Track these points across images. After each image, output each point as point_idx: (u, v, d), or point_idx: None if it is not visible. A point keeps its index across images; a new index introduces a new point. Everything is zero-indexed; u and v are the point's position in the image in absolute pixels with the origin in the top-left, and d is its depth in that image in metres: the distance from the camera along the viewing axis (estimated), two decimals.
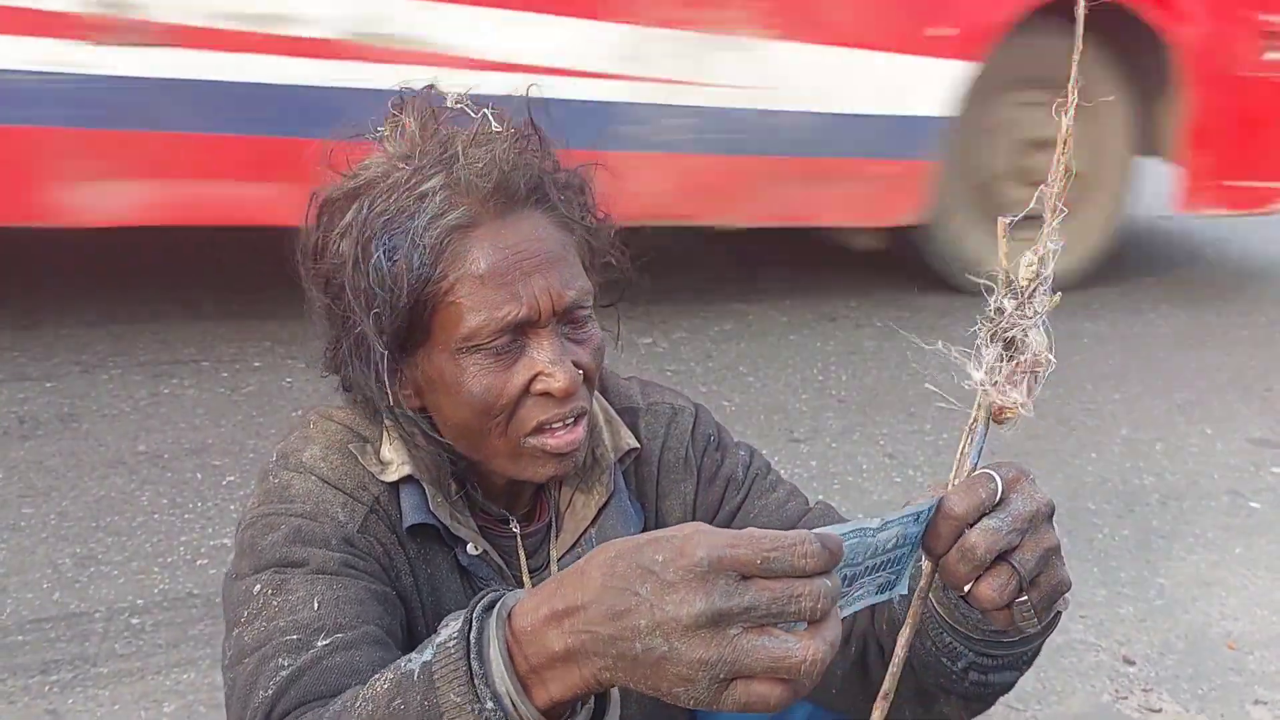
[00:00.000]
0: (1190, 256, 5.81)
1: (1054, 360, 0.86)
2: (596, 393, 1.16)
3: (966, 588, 0.86)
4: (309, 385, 3.53)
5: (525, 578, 1.17)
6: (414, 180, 1.03)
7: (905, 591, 0.87)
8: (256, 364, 3.71)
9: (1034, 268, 0.84)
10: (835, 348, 4.29)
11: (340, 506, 1.08)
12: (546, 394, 1.04)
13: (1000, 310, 0.85)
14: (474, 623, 0.75)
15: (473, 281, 1.01)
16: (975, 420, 0.88)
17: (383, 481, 1.10)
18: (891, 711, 0.89)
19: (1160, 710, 2.37)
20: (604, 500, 1.19)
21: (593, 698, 0.79)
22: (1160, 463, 3.55)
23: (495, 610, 0.76)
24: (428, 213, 1.01)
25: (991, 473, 0.86)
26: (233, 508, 2.85)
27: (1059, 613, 0.96)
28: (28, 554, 2.60)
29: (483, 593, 0.79)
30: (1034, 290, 0.84)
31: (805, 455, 3.42)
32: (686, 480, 1.23)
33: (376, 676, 0.82)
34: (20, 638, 2.31)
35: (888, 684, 0.87)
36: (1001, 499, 0.85)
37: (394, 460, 1.12)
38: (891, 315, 4.64)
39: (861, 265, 5.25)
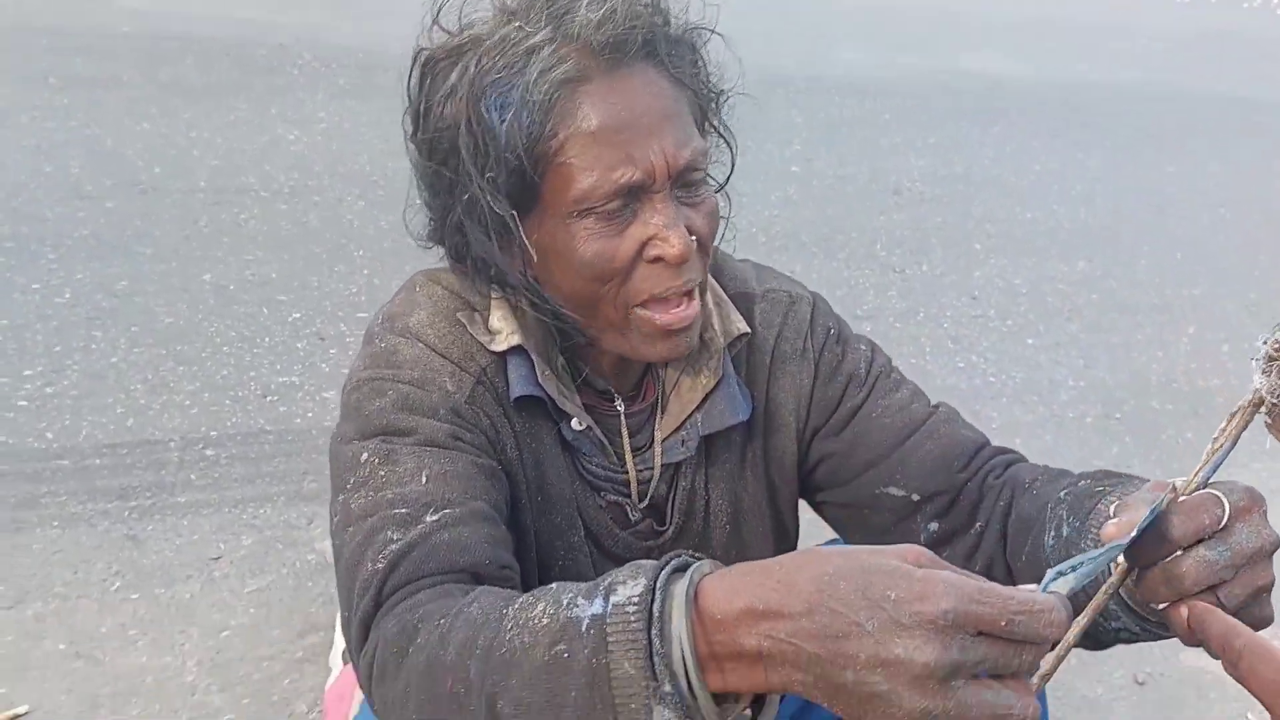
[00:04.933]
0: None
1: None
2: (709, 275, 1.11)
3: (1161, 607, 0.79)
4: (370, 225, 3.50)
5: (628, 456, 1.16)
6: (522, 36, 0.97)
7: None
8: (316, 198, 3.66)
9: None
10: (900, 220, 4.19)
11: (448, 376, 1.05)
12: (660, 259, 1.00)
13: None
14: (657, 593, 0.71)
15: (584, 139, 0.95)
16: (1227, 429, 0.77)
17: (490, 352, 1.08)
18: None
19: None
20: (712, 385, 1.16)
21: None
22: (1227, 365, 3.50)
23: (684, 587, 0.71)
24: (536, 67, 0.95)
25: (1220, 496, 0.78)
26: (299, 345, 2.85)
27: None
28: (99, 379, 2.63)
29: (669, 555, 0.74)
30: None
31: (868, 334, 3.36)
32: (803, 373, 1.20)
33: (529, 604, 0.77)
34: (97, 461, 2.35)
35: (1049, 664, 0.80)
36: (1225, 526, 0.77)
37: (503, 330, 1.09)
38: (960, 191, 4.51)
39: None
